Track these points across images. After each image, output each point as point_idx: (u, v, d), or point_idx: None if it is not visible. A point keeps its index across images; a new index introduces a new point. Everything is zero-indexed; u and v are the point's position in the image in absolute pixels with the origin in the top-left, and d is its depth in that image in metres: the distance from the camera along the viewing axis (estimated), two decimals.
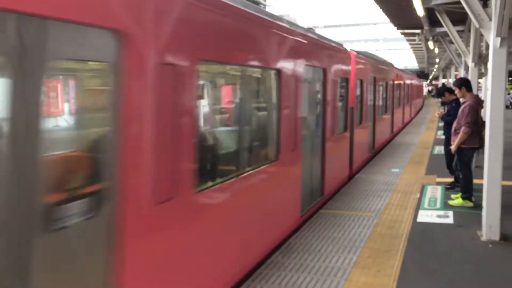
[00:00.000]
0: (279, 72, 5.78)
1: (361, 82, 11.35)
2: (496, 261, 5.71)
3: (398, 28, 20.17)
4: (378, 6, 15.04)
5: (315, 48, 7.57)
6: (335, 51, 8.86)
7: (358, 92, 11.16)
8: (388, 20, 18.61)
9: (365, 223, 7.01)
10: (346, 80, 9.77)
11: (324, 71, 7.86)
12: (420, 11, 12.94)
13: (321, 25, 57.95)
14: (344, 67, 9.42)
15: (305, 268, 5.35)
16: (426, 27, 16.68)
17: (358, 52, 11.05)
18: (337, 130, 8.84)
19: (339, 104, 9.15)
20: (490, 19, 6.42)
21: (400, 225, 6.93)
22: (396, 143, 16.50)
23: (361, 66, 11.30)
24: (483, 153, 6.89)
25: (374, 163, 12.36)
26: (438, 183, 9.66)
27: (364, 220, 7.18)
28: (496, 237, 6.30)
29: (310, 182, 7.56)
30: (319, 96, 8.00)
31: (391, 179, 10.19)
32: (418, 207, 7.96)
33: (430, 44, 21.60)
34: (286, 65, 6.00)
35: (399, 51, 59.81)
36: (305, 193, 7.10)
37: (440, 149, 12.89)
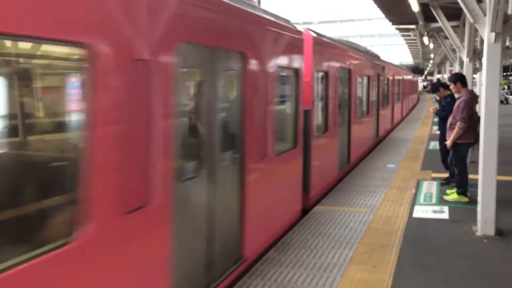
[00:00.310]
0: (90, 53, 2.77)
1: (326, 76, 8.48)
2: (491, 256, 5.73)
3: (393, 24, 20.17)
4: (373, 1, 15.04)
5: (220, 18, 4.55)
6: (271, 28, 5.87)
7: (320, 89, 8.42)
8: (383, 15, 18.61)
9: (361, 219, 7.01)
10: (296, 72, 6.80)
11: (244, 57, 4.98)
12: (415, 7, 12.94)
13: (316, 21, 57.89)
14: (290, 53, 6.56)
15: (301, 264, 5.35)
16: (420, 23, 16.70)
17: (319, 35, 8.29)
18: (274, 149, 5.86)
19: (279, 107, 6.34)
20: (485, 14, 6.42)
21: (396, 221, 6.94)
22: (391, 139, 16.52)
23: (325, 54, 8.48)
24: (478, 148, 6.91)
25: (370, 158, 12.36)
26: (434, 179, 9.69)
27: (359, 216, 7.19)
28: (491, 232, 6.31)
29: (208, 251, 4.44)
30: (233, 96, 5.13)
31: (386, 175, 10.19)
32: (413, 202, 7.97)
33: (425, 40, 21.62)
34: (120, 40, 3.04)
35: (394, 47, 59.96)
36: (190, 275, 4.13)
37: (435, 145, 12.91)
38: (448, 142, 7.92)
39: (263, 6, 6.07)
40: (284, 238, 6.21)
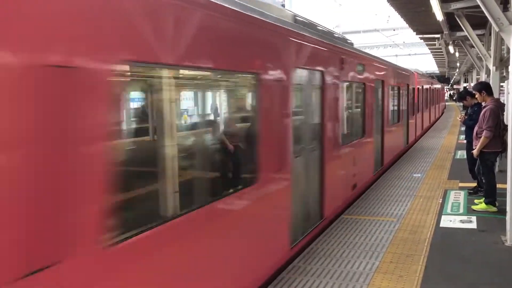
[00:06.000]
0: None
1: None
2: None
3: (417, 33, 20.09)
4: (396, 12, 15.04)
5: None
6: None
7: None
8: (406, 25, 18.56)
9: (387, 228, 7.00)
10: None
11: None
12: (439, 16, 12.89)
13: (340, 32, 57.70)
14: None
15: (327, 273, 5.39)
16: (445, 32, 16.59)
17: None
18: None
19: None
20: (510, 23, 6.41)
21: (423, 230, 6.91)
22: (418, 148, 16.38)
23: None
24: (506, 157, 6.84)
25: (396, 167, 12.30)
26: (461, 188, 9.58)
27: (386, 225, 7.18)
28: None
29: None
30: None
31: (412, 184, 10.12)
32: (440, 212, 7.91)
33: (450, 49, 21.44)
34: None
35: (419, 56, 59.42)
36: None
37: (462, 154, 12.78)
38: (475, 152, 7.85)
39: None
40: (310, 246, 6.26)
